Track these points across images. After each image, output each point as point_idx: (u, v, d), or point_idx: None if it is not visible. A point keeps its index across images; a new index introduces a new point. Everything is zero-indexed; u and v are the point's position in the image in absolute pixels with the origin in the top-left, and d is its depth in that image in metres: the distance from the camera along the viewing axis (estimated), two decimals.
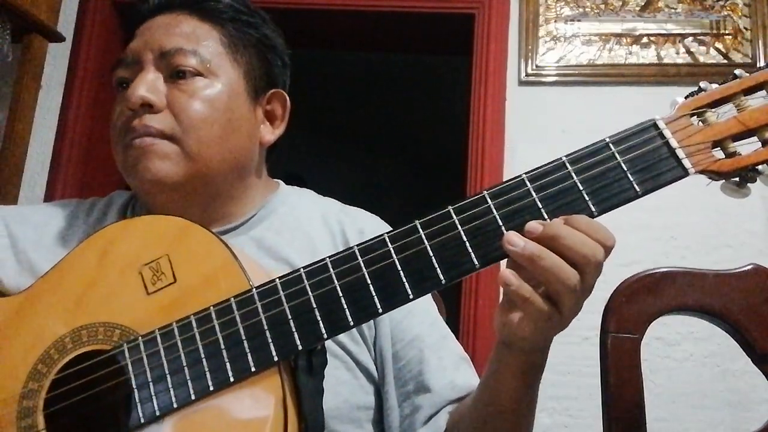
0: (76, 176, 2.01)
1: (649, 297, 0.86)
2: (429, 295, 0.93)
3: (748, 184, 0.62)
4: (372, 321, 0.84)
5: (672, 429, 1.67)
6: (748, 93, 0.63)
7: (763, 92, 0.62)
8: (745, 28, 1.89)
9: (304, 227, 0.87)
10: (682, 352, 1.72)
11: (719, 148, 0.62)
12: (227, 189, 0.85)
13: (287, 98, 0.91)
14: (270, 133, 0.89)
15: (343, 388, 0.79)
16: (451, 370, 0.83)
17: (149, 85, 0.78)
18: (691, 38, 1.90)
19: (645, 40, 1.92)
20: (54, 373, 0.66)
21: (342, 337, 0.80)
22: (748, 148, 0.62)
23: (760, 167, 0.61)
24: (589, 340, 1.69)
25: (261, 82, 0.87)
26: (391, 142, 4.22)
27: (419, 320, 0.86)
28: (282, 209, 0.89)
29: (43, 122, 1.99)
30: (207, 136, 0.80)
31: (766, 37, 1.87)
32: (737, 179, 0.62)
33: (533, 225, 0.59)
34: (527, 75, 1.93)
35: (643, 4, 1.95)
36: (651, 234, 1.80)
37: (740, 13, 1.91)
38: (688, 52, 1.89)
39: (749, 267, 0.87)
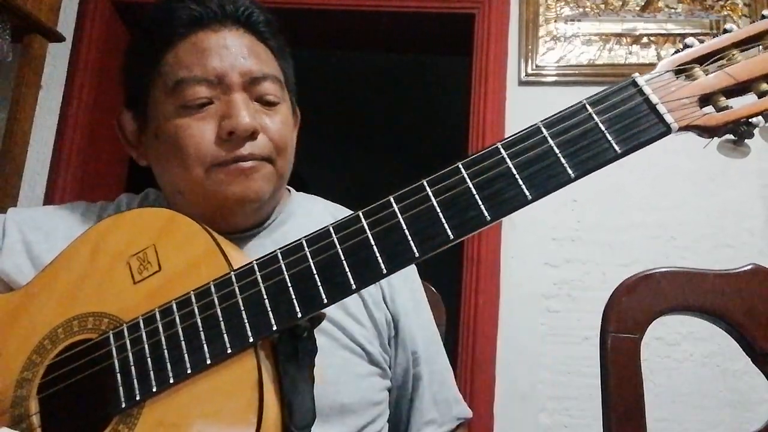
0: (76, 176, 2.01)
1: (649, 297, 0.86)
2: (428, 307, 0.95)
3: (746, 141, 0.57)
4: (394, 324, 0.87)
5: (672, 429, 1.67)
6: (739, 46, 0.59)
7: (758, 46, 0.58)
8: None
9: None
10: (682, 352, 1.72)
11: (710, 105, 0.58)
12: (277, 198, 0.89)
13: (298, 110, 0.95)
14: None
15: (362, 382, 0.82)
16: (437, 384, 0.91)
17: (251, 112, 0.80)
18: (691, 38, 1.90)
19: (645, 40, 1.92)
20: (46, 362, 0.68)
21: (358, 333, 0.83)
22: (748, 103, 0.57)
23: (754, 120, 0.56)
24: (589, 340, 1.69)
25: (292, 95, 0.91)
26: (390, 141, 4.22)
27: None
28: (299, 213, 0.92)
29: (43, 122, 1.99)
30: (290, 158, 0.86)
31: None
32: (732, 136, 0.57)
33: None
34: (527, 75, 1.93)
35: (643, 4, 1.95)
36: (651, 234, 1.80)
37: (740, 13, 1.91)
38: None
39: (749, 267, 0.87)
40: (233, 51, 0.82)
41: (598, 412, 0.85)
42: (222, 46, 0.82)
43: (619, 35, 1.93)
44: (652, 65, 1.86)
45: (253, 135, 0.79)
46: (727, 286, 0.85)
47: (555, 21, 1.96)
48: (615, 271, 1.71)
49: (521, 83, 1.93)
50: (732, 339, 0.86)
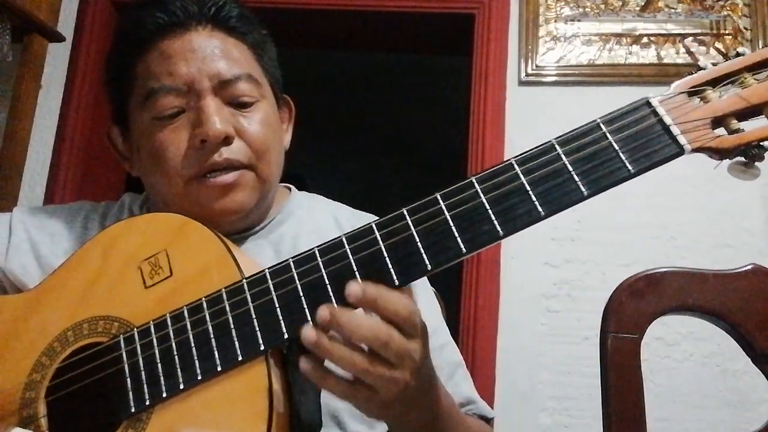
0: (76, 176, 2.01)
1: (649, 297, 0.86)
2: (434, 299, 0.94)
3: (757, 164, 0.58)
4: None
5: (672, 429, 1.67)
6: (752, 70, 0.60)
7: None
8: (745, 28, 1.89)
9: (321, 231, 0.87)
10: (682, 352, 1.72)
11: (722, 127, 0.59)
12: (268, 199, 0.86)
13: (291, 101, 0.92)
14: (286, 138, 0.90)
15: None
16: (444, 378, 0.84)
17: (223, 117, 0.77)
18: (691, 38, 1.90)
19: (645, 40, 1.92)
20: (56, 364, 0.68)
21: None
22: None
23: (765, 143, 0.58)
24: (589, 340, 1.69)
25: (276, 88, 0.88)
26: (391, 142, 4.22)
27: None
28: (298, 213, 0.90)
29: (43, 122, 1.99)
30: (273, 159, 0.82)
31: (766, 37, 1.87)
32: (743, 158, 0.59)
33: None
34: (527, 75, 1.93)
35: (643, 4, 1.95)
36: (651, 234, 1.80)
37: (740, 13, 1.91)
38: (688, 52, 1.89)
39: (749, 267, 0.87)
40: (200, 54, 0.78)
41: (598, 412, 0.85)
42: (188, 51, 0.78)
43: (619, 35, 1.93)
44: (652, 65, 1.87)
45: (227, 141, 0.76)
46: (727, 286, 0.85)
47: (555, 21, 1.96)
48: (615, 271, 1.71)
49: (521, 83, 1.93)
50: (732, 339, 0.86)
